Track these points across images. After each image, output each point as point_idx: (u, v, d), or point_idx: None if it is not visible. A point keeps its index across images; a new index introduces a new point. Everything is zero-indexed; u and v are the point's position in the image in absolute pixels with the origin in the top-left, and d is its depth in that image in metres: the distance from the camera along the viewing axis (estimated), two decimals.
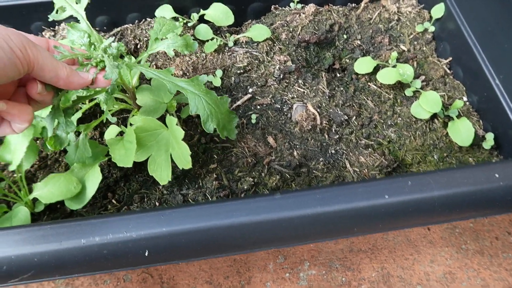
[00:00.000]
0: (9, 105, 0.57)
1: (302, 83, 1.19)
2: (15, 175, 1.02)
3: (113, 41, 0.83)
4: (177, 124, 0.91)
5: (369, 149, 1.05)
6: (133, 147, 0.88)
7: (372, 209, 0.73)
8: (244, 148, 1.07)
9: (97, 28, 1.34)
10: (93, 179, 0.94)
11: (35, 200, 0.94)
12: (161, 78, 0.83)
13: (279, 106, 1.14)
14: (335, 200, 0.72)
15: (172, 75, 0.85)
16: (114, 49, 0.81)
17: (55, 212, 0.99)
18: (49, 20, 0.93)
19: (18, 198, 0.94)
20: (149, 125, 0.95)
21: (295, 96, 1.16)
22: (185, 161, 0.90)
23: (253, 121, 1.12)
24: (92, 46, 0.83)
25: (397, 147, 1.07)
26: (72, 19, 0.93)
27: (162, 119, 1.07)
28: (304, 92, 1.17)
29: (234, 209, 0.72)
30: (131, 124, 1.08)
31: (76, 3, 0.94)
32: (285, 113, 1.13)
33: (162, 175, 0.93)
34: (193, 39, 1.02)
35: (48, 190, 0.89)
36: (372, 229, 0.80)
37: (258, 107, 1.16)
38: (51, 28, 1.34)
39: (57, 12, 0.95)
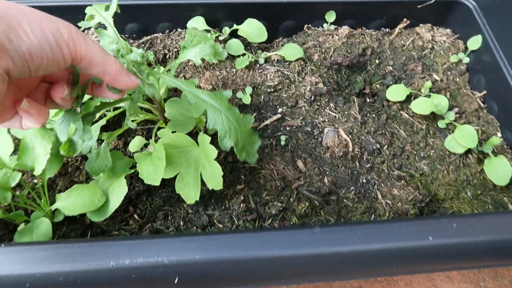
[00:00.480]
0: (30, 105, 0.54)
1: (334, 106, 1.16)
2: (35, 180, 0.99)
3: (142, 49, 0.81)
4: (210, 143, 0.88)
5: (402, 181, 1.01)
6: (162, 165, 0.85)
7: (415, 250, 0.70)
8: (272, 171, 1.03)
9: (126, 35, 1.32)
10: (118, 192, 0.90)
11: (55, 209, 0.91)
12: (183, 88, 0.80)
13: (310, 129, 1.12)
14: (377, 238, 0.69)
15: (196, 86, 0.82)
16: (138, 57, 0.79)
17: (74, 223, 0.96)
18: (80, 28, 0.91)
19: (37, 206, 0.91)
20: (179, 141, 0.92)
21: (326, 120, 1.13)
22: (216, 182, 0.87)
23: (282, 142, 1.09)
24: (119, 53, 0.81)
25: (430, 181, 1.03)
26: (102, 26, 0.92)
27: (191, 134, 1.04)
28: (335, 116, 1.14)
29: (271, 241, 0.68)
30: (156, 137, 1.06)
31: (105, 10, 0.93)
32: (316, 137, 1.10)
33: (189, 194, 0.90)
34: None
35: (71, 201, 0.86)
36: (412, 270, 0.76)
37: (288, 128, 1.13)
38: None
39: (86, 20, 0.94)
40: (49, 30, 0.48)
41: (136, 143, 1.08)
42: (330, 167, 1.04)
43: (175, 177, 0.89)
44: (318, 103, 1.17)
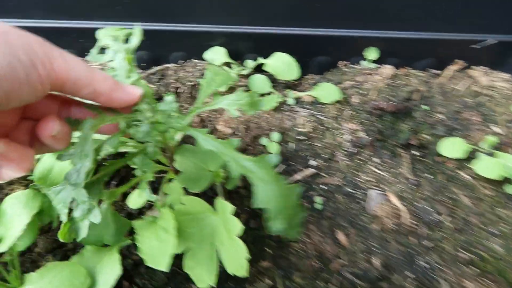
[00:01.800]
0: (9, 147, 0.45)
1: (379, 162, 0.96)
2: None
3: (171, 96, 0.62)
4: (232, 214, 0.67)
5: (471, 266, 0.80)
6: (171, 241, 0.64)
7: None
8: (306, 244, 0.82)
9: (134, 64, 1.13)
10: (109, 272, 0.69)
11: None
12: (222, 152, 0.61)
13: (351, 190, 0.91)
14: None
15: (214, 137, 0.63)
16: (168, 106, 0.60)
17: None
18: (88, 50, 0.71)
19: (3, 284, 0.69)
20: (192, 206, 0.72)
21: (371, 179, 0.92)
22: (238, 266, 0.66)
23: (318, 206, 0.88)
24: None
25: (505, 265, 0.81)
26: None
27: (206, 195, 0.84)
28: (381, 175, 0.93)
29: None
30: (165, 194, 0.85)
31: (123, 42, 0.72)
32: (359, 201, 0.89)
33: (202, 276, 0.68)
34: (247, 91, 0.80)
35: (45, 284, 0.64)
36: None
37: (324, 187, 0.92)
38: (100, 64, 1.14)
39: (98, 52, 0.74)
40: (19, 46, 0.40)
41: (137, 198, 0.87)
42: (379, 242, 0.83)
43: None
44: (360, 157, 0.97)
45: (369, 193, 0.89)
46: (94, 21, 1.04)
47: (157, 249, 0.64)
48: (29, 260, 0.79)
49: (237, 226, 0.65)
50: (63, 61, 0.43)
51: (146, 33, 1.07)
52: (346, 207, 0.88)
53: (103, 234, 0.71)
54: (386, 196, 0.88)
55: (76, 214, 0.64)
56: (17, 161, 0.45)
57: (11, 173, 0.47)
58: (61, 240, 0.64)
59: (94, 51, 0.73)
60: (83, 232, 0.65)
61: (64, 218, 0.61)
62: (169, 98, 0.61)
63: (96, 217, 0.63)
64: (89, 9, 1.03)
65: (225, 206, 0.67)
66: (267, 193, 0.59)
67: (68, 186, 0.56)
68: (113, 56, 0.65)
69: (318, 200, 0.89)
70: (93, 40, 0.68)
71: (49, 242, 0.82)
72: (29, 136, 0.51)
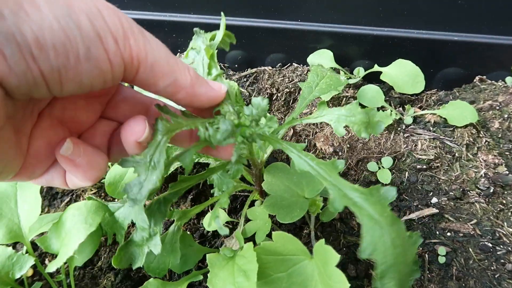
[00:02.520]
0: (76, 148, 0.36)
1: None
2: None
3: (262, 98, 0.47)
4: (339, 267, 0.49)
5: None
6: (251, 286, 0.49)
7: None
8: None
9: (226, 65, 1.02)
10: None
11: None
12: (321, 175, 0.45)
13: (489, 244, 0.68)
14: None
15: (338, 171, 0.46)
16: (256, 109, 0.46)
17: None
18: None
19: None
20: (282, 243, 0.56)
21: None
22: None
23: (442, 259, 0.67)
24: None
25: None
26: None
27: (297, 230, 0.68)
28: None
29: None
30: (247, 220, 0.71)
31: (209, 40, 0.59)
32: (500, 260, 0.66)
33: None
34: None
35: None
36: None
37: (449, 234, 0.70)
38: None
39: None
40: (81, 9, 0.29)
41: (211, 221, 0.74)
42: None
43: None
44: (502, 200, 0.73)
45: None
46: (189, 14, 0.94)
47: None
48: (89, 275, 0.70)
49: (343, 284, 0.48)
50: (143, 39, 0.33)
51: (242, 30, 0.96)
52: (482, 267, 0.66)
53: (168, 261, 0.59)
54: None
55: (135, 238, 0.52)
56: (85, 168, 0.37)
57: (76, 181, 0.39)
58: (114, 266, 0.52)
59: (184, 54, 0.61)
60: (140, 260, 0.53)
61: (121, 239, 0.49)
62: (258, 99, 0.46)
63: (156, 246, 0.50)
64: (184, 2, 0.93)
65: (328, 254, 0.51)
66: (377, 239, 0.41)
67: (127, 202, 0.44)
68: (195, 55, 0.52)
69: (442, 251, 0.68)
70: (187, 35, 0.56)
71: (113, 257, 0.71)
72: (106, 140, 0.41)
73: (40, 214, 0.61)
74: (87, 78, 0.31)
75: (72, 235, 0.54)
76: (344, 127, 0.56)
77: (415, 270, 0.46)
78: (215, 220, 0.47)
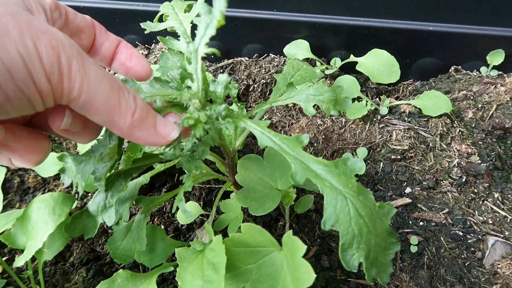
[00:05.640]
0: (10, 134, 0.36)
1: (500, 198, 0.72)
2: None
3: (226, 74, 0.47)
4: (307, 256, 0.49)
5: None
6: (219, 281, 0.49)
7: None
8: None
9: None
10: None
11: None
12: (284, 150, 0.45)
13: (460, 233, 0.69)
14: None
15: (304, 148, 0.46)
16: (220, 87, 0.45)
17: None
18: (145, 31, 0.59)
19: None
20: (251, 235, 0.55)
21: (489, 221, 0.70)
22: None
23: (414, 248, 0.68)
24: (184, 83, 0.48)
25: None
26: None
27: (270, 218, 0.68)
28: (504, 216, 0.70)
29: None
30: (218, 213, 0.71)
31: (185, 12, 0.61)
32: (471, 248, 0.67)
33: None
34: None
35: None
36: None
37: (422, 224, 0.71)
38: (146, 46, 1.04)
39: (156, 21, 0.63)
40: (16, 50, 0.29)
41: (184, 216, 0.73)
42: None
43: None
44: (473, 189, 0.74)
45: (488, 241, 0.66)
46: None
47: None
48: (61, 271, 0.69)
49: (309, 275, 0.47)
50: (80, 77, 0.32)
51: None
52: (453, 255, 0.66)
53: (134, 248, 0.58)
54: None
55: (91, 207, 0.52)
56: (21, 152, 0.38)
57: (18, 163, 0.39)
58: (66, 233, 0.52)
59: (153, 22, 0.61)
60: (93, 231, 0.53)
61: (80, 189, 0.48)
62: (223, 76, 0.46)
63: (110, 218, 0.50)
64: None
65: (295, 245, 0.50)
66: (339, 210, 0.41)
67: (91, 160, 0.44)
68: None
69: (414, 239, 0.68)
70: None
71: (85, 252, 0.71)
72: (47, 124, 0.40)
73: (6, 210, 0.60)
74: (16, 111, 0.31)
75: (39, 228, 0.53)
76: (313, 105, 0.56)
77: (393, 243, 0.46)
78: (179, 204, 0.47)
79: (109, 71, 0.59)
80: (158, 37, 0.61)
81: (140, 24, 0.60)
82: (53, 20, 0.39)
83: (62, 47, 0.31)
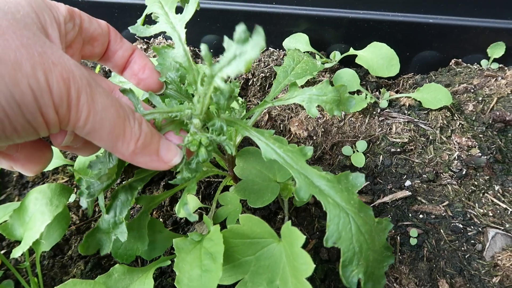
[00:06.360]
0: (11, 146, 0.37)
1: (500, 190, 0.72)
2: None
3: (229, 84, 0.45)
4: (306, 249, 0.49)
5: None
6: (216, 271, 0.48)
7: None
8: None
9: (200, 50, 1.00)
10: None
11: None
12: (288, 164, 0.44)
13: (460, 225, 0.68)
14: None
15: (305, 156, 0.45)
16: (223, 100, 0.44)
17: None
18: (135, 31, 0.58)
19: None
20: (250, 227, 0.55)
21: (489, 213, 0.69)
22: None
23: (413, 241, 0.67)
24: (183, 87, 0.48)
25: None
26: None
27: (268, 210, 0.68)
28: (504, 209, 0.69)
29: None
30: (218, 206, 0.70)
31: (176, 12, 0.59)
32: (471, 240, 0.67)
33: None
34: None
35: None
36: None
37: (422, 216, 0.71)
38: (145, 40, 1.03)
39: (143, 24, 0.60)
40: (27, 84, 0.28)
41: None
42: None
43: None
44: (474, 181, 0.73)
45: (488, 233, 0.66)
46: None
47: (198, 281, 0.49)
48: (59, 264, 0.68)
49: (308, 265, 0.47)
50: (87, 108, 0.32)
51: (217, 14, 0.94)
52: (453, 248, 0.66)
53: (136, 248, 0.58)
54: None
55: (101, 225, 0.51)
56: (23, 162, 0.39)
57: (19, 170, 0.40)
58: (81, 253, 0.51)
59: (139, 21, 0.60)
60: (108, 247, 0.52)
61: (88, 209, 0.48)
62: (227, 86, 0.44)
63: (123, 234, 0.50)
64: None
65: (294, 235, 0.50)
66: (341, 227, 0.41)
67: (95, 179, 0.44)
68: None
69: (414, 232, 0.68)
70: None
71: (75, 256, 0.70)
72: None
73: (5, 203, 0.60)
74: (21, 139, 0.32)
75: (36, 219, 0.52)
76: (316, 107, 0.55)
77: (388, 256, 0.46)
78: (183, 208, 0.47)
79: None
80: (152, 47, 0.60)
81: (129, 28, 0.59)
82: (66, 32, 0.39)
83: (73, 79, 0.31)
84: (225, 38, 0.33)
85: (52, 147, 0.42)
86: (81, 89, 0.31)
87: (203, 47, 0.34)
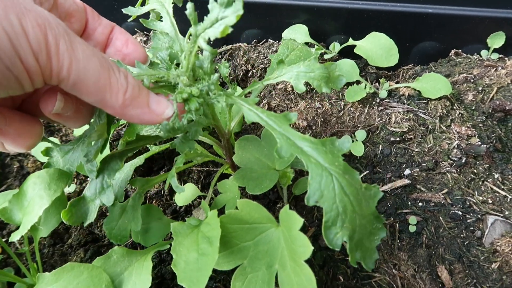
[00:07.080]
0: (3, 120, 0.36)
1: (500, 178, 0.72)
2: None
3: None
4: (304, 232, 0.49)
5: None
6: (213, 254, 0.48)
7: None
8: (393, 277, 0.62)
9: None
10: (137, 282, 0.55)
11: None
12: (269, 125, 0.44)
13: (460, 213, 0.68)
14: None
15: (290, 125, 0.45)
16: (206, 62, 0.45)
17: None
18: (129, 15, 0.59)
19: (22, 283, 0.59)
20: (248, 212, 0.55)
21: (489, 201, 0.69)
22: None
23: (412, 228, 0.67)
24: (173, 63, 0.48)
25: None
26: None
27: (268, 199, 0.68)
28: (504, 196, 0.69)
29: None
30: (215, 194, 0.70)
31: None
32: (471, 227, 0.67)
33: None
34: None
35: None
36: None
37: (421, 204, 0.70)
38: (145, 33, 1.04)
39: (142, 5, 0.63)
40: (3, 27, 0.28)
41: (185, 194, 0.73)
42: (494, 286, 0.60)
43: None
44: (473, 169, 0.73)
45: (488, 220, 0.66)
46: None
47: (194, 264, 0.49)
48: (59, 252, 0.69)
49: (306, 248, 0.47)
50: (69, 56, 0.32)
51: None
52: (452, 235, 0.66)
53: (130, 228, 0.58)
54: None
55: (88, 192, 0.52)
56: (12, 136, 0.38)
57: (10, 147, 0.39)
58: (64, 221, 0.52)
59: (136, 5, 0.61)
60: (92, 215, 0.53)
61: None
62: (206, 53, 0.45)
63: (108, 198, 0.50)
64: None
65: (292, 219, 0.50)
66: (323, 186, 0.41)
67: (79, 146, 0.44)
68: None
69: (413, 219, 0.68)
70: None
71: (84, 234, 0.71)
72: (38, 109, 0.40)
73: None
74: (4, 90, 0.31)
75: (35, 203, 0.53)
76: (304, 84, 0.55)
77: (379, 228, 0.46)
78: (171, 180, 0.47)
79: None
80: (140, 20, 0.61)
81: (122, 10, 0.61)
82: (40, 3, 0.39)
83: (48, 25, 0.31)
84: (210, 0, 0.35)
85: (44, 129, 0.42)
86: (59, 36, 0.31)
87: (189, 5, 0.36)
